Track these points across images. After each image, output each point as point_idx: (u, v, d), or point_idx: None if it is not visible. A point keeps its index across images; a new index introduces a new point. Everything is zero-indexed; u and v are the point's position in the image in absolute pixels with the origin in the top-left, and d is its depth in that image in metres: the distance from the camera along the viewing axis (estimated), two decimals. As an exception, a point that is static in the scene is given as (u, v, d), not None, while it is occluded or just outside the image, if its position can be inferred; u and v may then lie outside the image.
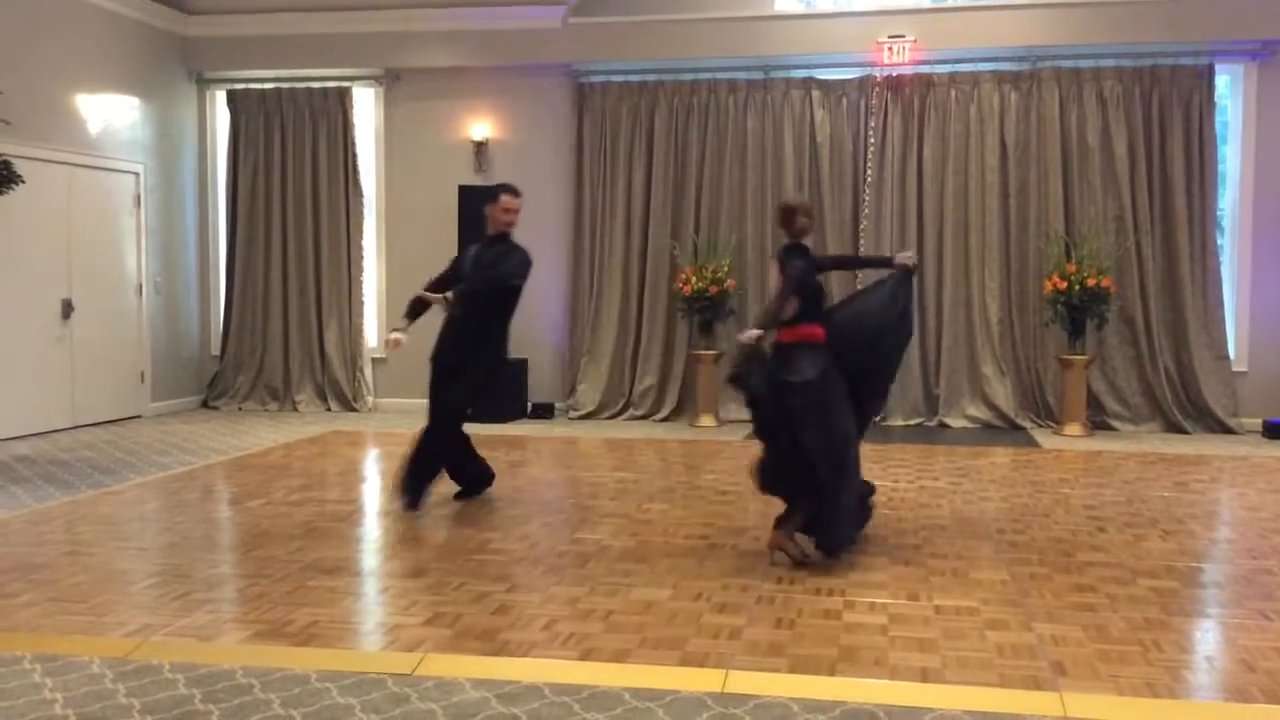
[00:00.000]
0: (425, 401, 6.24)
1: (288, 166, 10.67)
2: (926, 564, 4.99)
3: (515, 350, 10.43)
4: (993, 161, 9.63)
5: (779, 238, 9.78)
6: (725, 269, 9.60)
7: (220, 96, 10.93)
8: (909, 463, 7.73)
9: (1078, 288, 8.95)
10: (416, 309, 6.23)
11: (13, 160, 7.42)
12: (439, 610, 4.29)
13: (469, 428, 6.44)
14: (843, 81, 9.88)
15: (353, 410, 10.50)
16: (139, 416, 10.09)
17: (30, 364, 8.90)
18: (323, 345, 10.66)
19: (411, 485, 6.07)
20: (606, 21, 10.00)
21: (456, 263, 6.33)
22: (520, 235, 10.13)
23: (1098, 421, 9.40)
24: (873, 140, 9.77)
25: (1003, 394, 9.57)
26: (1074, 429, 9.12)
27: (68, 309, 9.28)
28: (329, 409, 10.56)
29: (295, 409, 10.60)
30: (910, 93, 9.73)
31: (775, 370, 4.93)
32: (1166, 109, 9.36)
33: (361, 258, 10.63)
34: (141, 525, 5.89)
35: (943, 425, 9.65)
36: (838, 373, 4.99)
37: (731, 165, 10.01)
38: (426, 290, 6.18)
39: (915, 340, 9.14)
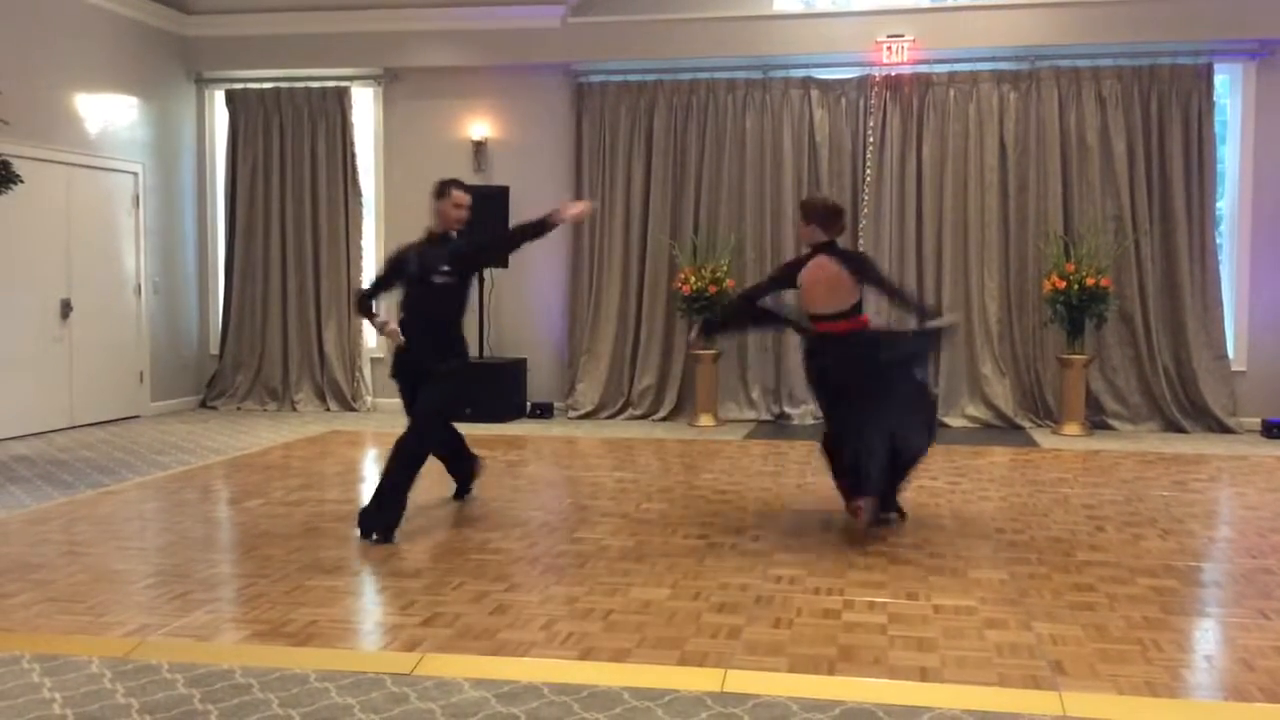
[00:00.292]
0: None
1: (287, 166, 10.67)
2: (925, 563, 4.99)
3: (514, 350, 10.50)
4: (992, 161, 9.63)
5: (778, 237, 9.89)
6: (724, 268, 9.60)
7: (219, 96, 10.93)
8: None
9: (1077, 287, 8.95)
10: (366, 307, 5.86)
11: (11, 160, 7.42)
12: (438, 610, 4.29)
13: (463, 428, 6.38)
14: (842, 81, 9.88)
15: (351, 410, 10.50)
16: (138, 416, 10.09)
17: (29, 364, 8.90)
18: (321, 345, 10.66)
19: (381, 517, 5.44)
20: (605, 21, 10.00)
21: (396, 264, 5.83)
22: (519, 235, 10.19)
23: (1097, 421, 9.40)
24: (872, 140, 9.77)
25: (1002, 394, 9.57)
26: (1073, 428, 9.12)
27: (66, 309, 9.27)
28: (328, 409, 10.56)
29: (294, 409, 10.60)
30: (909, 92, 9.73)
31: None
32: (1165, 109, 9.36)
33: (360, 257, 10.62)
34: (140, 525, 5.89)
35: (942, 425, 9.62)
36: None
37: (730, 165, 10.01)
38: (365, 298, 5.86)
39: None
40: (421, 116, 10.52)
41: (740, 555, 5.13)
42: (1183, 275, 9.34)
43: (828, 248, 5.61)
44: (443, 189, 5.84)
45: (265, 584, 4.66)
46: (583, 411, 10.13)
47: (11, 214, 8.40)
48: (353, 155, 10.59)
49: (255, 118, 10.71)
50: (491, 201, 9.96)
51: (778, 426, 9.66)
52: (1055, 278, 9.05)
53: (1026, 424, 9.54)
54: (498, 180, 10.30)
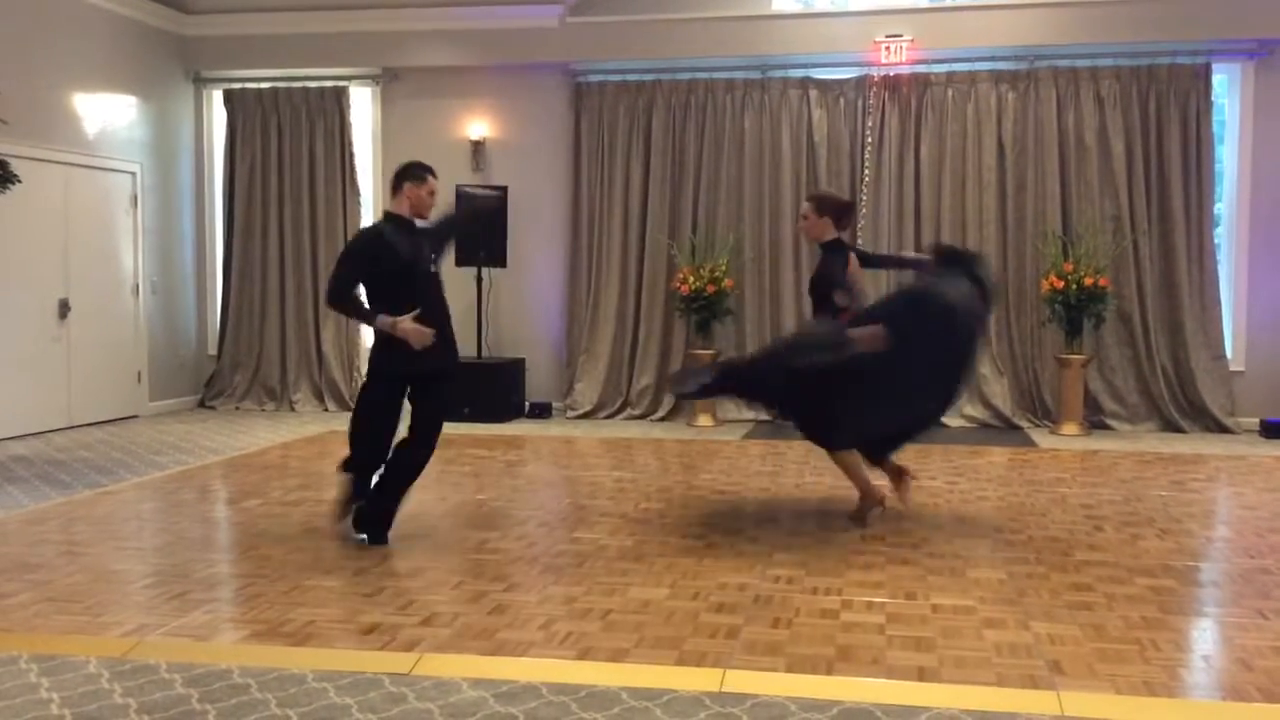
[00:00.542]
0: None
1: (285, 166, 10.67)
2: (924, 563, 4.99)
3: (513, 349, 10.50)
4: (990, 161, 9.63)
5: (777, 237, 9.88)
6: (723, 268, 9.59)
7: (217, 96, 10.92)
8: (906, 462, 7.69)
9: (1075, 287, 8.95)
10: (357, 302, 5.22)
11: (9, 160, 7.42)
12: (436, 610, 4.29)
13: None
14: (840, 81, 9.88)
15: (349, 410, 10.46)
16: (136, 416, 10.08)
17: (27, 364, 8.89)
18: (320, 345, 10.65)
19: (382, 518, 5.31)
20: (604, 21, 9.99)
21: (381, 254, 5.15)
22: (520, 234, 10.22)
23: (1095, 421, 9.40)
24: (870, 140, 9.77)
25: (1000, 393, 9.58)
26: (1071, 428, 9.12)
27: (64, 309, 9.27)
28: (326, 409, 10.56)
29: (292, 409, 10.60)
30: (908, 92, 9.73)
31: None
32: (1164, 108, 9.36)
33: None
34: (138, 525, 5.89)
35: (940, 424, 9.63)
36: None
37: (729, 165, 10.01)
38: (351, 293, 5.16)
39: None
40: (420, 116, 10.51)
41: (738, 555, 5.13)
42: (1181, 275, 9.34)
43: (839, 244, 5.68)
44: (421, 173, 5.34)
45: (263, 584, 4.65)
46: (581, 411, 10.13)
47: (9, 214, 8.39)
48: (351, 155, 10.59)
49: (253, 117, 10.70)
50: (490, 201, 9.99)
51: (776, 426, 9.64)
52: (1053, 277, 9.05)
53: (1024, 424, 9.54)
54: (496, 180, 10.30)
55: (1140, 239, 9.39)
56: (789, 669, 3.67)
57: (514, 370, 10.22)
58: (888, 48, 9.50)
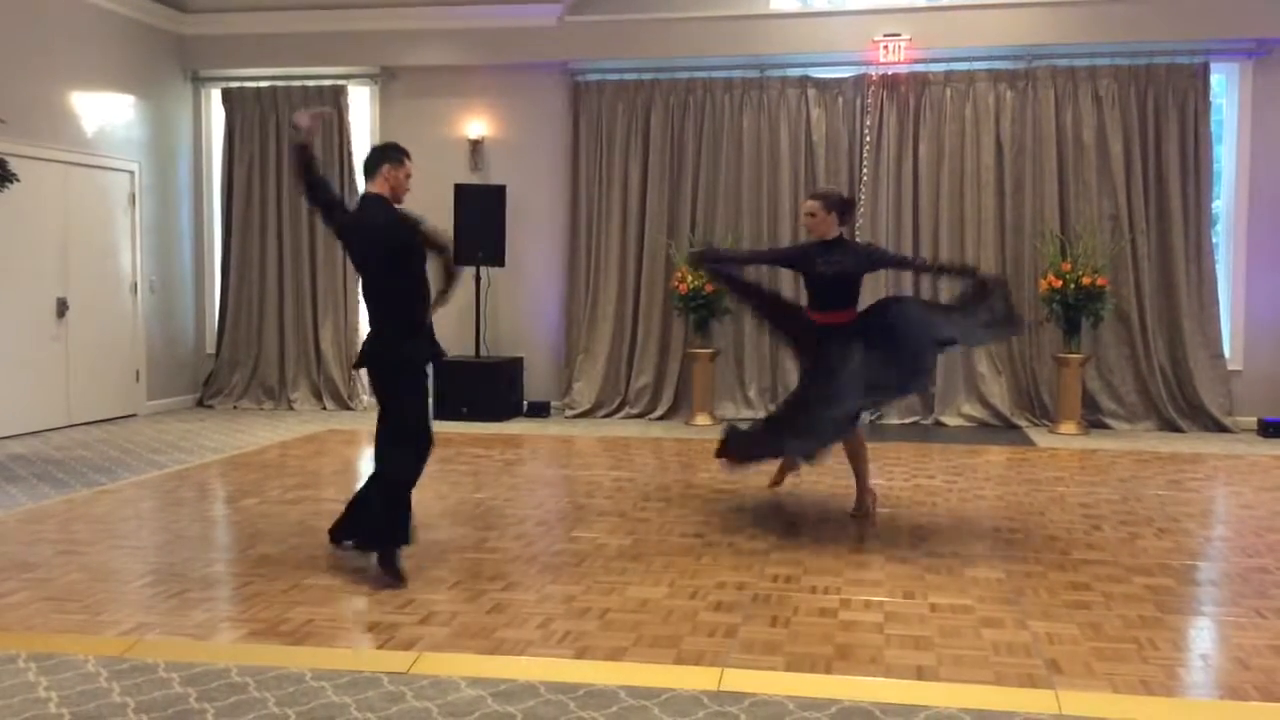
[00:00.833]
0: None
1: (283, 165, 10.65)
2: (922, 562, 5.00)
3: (511, 348, 10.50)
4: (988, 160, 9.64)
5: (775, 236, 9.88)
6: (721, 267, 9.59)
7: (215, 95, 10.92)
8: (905, 461, 7.74)
9: (1073, 286, 8.96)
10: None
11: (8, 158, 7.41)
12: (434, 609, 4.29)
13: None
14: (839, 80, 9.88)
15: (348, 409, 10.49)
16: (134, 415, 10.08)
17: (25, 363, 8.88)
18: (318, 344, 10.65)
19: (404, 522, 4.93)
20: (602, 20, 9.99)
21: (410, 232, 4.99)
22: (518, 233, 10.22)
23: (1093, 420, 9.41)
24: (868, 139, 9.77)
25: (998, 392, 9.58)
26: (1069, 427, 9.13)
27: (63, 307, 9.26)
28: (324, 408, 10.55)
29: (290, 407, 10.59)
30: (906, 91, 9.73)
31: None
32: (1162, 108, 9.37)
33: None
34: (137, 524, 5.88)
35: (938, 424, 9.66)
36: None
37: (727, 164, 10.01)
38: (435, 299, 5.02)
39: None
40: (418, 115, 10.51)
41: (737, 554, 5.13)
42: (1179, 274, 9.35)
43: (842, 240, 5.84)
44: (398, 155, 5.10)
45: (261, 583, 4.65)
46: (579, 410, 10.13)
47: (8, 212, 8.38)
48: (349, 154, 10.57)
49: (251, 116, 10.70)
50: (489, 200, 10.00)
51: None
52: (1051, 277, 9.06)
53: (1023, 423, 9.55)
54: (495, 179, 10.30)
55: (1138, 238, 9.39)
56: (787, 668, 3.67)
57: (512, 369, 10.22)
58: (886, 47, 9.51)
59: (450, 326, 9.56)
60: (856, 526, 5.71)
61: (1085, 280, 8.92)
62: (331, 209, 5.16)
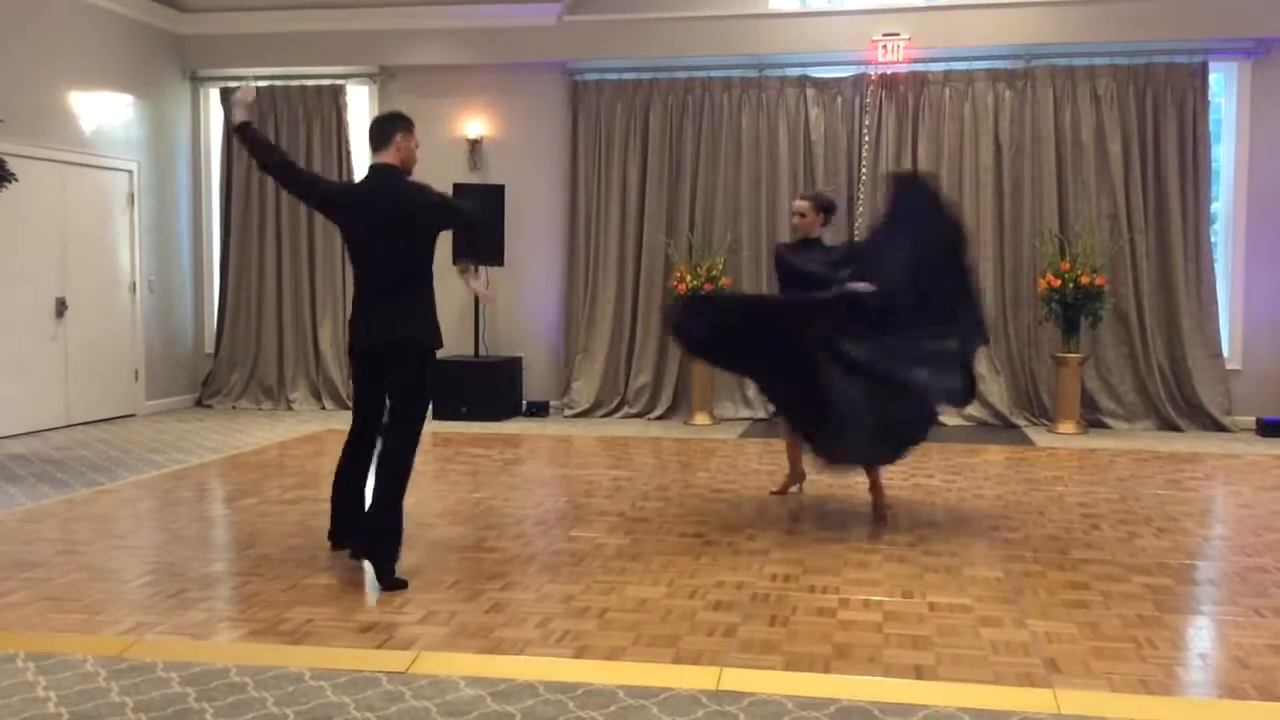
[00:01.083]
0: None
1: (282, 164, 10.64)
2: (921, 561, 5.00)
3: (510, 348, 10.50)
4: (987, 160, 9.64)
5: (774, 235, 9.89)
6: (720, 267, 9.60)
7: (214, 94, 10.91)
8: (904, 460, 7.72)
9: (1072, 286, 8.96)
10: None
11: (6, 158, 7.40)
12: (433, 608, 4.29)
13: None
14: (837, 80, 9.88)
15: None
16: (133, 415, 10.07)
17: (24, 362, 8.88)
18: (317, 343, 10.65)
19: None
20: (601, 19, 9.99)
21: (440, 205, 4.91)
22: (517, 233, 10.22)
23: (1092, 419, 9.41)
24: (867, 138, 9.77)
25: (997, 392, 9.58)
26: (1068, 427, 9.13)
27: (61, 307, 9.26)
28: (323, 407, 10.55)
29: (289, 407, 10.59)
30: (904, 91, 9.73)
31: None
32: (1161, 107, 9.37)
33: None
34: (135, 524, 5.88)
35: (937, 423, 9.63)
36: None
37: (726, 163, 10.01)
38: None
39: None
40: (416, 115, 10.17)
41: (736, 553, 5.14)
42: (1178, 274, 9.35)
43: (819, 240, 6.09)
44: (410, 124, 4.93)
45: (260, 582, 4.65)
46: (578, 410, 10.13)
47: (6, 212, 8.38)
48: (348, 153, 10.58)
49: (250, 116, 10.67)
50: (488, 200, 9.99)
51: (773, 425, 9.64)
52: (1050, 276, 9.06)
53: (1022, 422, 9.55)
54: (493, 178, 10.30)
55: (1137, 237, 9.40)
56: (786, 667, 3.67)
57: (511, 369, 10.22)
58: (884, 46, 9.51)
59: (449, 326, 9.49)
60: (855, 526, 5.71)
61: (1084, 279, 8.92)
62: (315, 183, 5.05)
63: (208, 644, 3.91)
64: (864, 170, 9.78)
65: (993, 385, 9.59)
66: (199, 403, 10.87)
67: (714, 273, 9.53)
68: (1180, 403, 9.41)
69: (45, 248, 9.11)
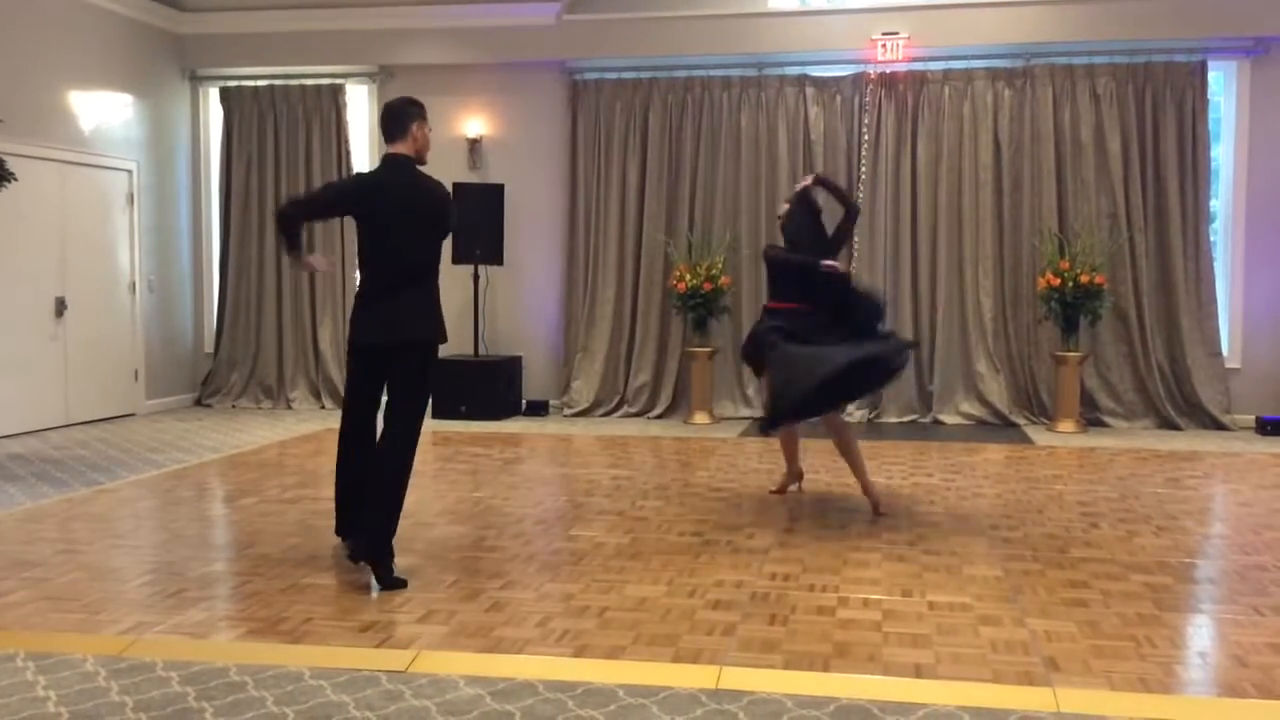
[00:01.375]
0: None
1: (281, 164, 10.66)
2: (920, 560, 5.00)
3: (510, 347, 10.50)
4: (986, 158, 9.64)
5: (773, 235, 9.87)
6: (720, 266, 9.60)
7: (214, 94, 10.91)
8: (903, 459, 7.74)
9: (1071, 284, 8.96)
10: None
11: (6, 158, 7.40)
12: (433, 607, 4.29)
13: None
14: (837, 79, 9.88)
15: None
16: (133, 414, 10.07)
17: (23, 362, 8.88)
18: (316, 343, 10.65)
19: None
20: (600, 18, 9.99)
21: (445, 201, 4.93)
22: (516, 232, 10.22)
23: (1091, 418, 9.41)
24: (866, 137, 9.77)
25: (996, 391, 9.58)
26: (1067, 425, 9.13)
27: (61, 307, 9.26)
28: (323, 406, 10.55)
29: (289, 406, 10.59)
30: (904, 90, 9.73)
31: None
32: (1160, 106, 9.37)
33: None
34: (135, 523, 5.88)
35: (937, 422, 9.66)
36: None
37: (726, 162, 10.01)
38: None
39: (910, 338, 9.20)
40: (416, 114, 10.46)
41: (735, 552, 5.14)
42: (1177, 272, 9.35)
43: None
44: (424, 111, 4.89)
45: (260, 582, 4.65)
46: (578, 409, 10.13)
47: (6, 212, 8.38)
48: (347, 153, 10.58)
49: (250, 115, 10.69)
50: (487, 199, 9.99)
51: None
52: (1050, 275, 9.06)
53: (1021, 421, 9.55)
54: (493, 178, 10.30)
55: (1136, 236, 9.40)
56: (786, 666, 3.67)
57: (511, 368, 10.22)
58: (884, 45, 9.51)
59: (449, 325, 9.49)
60: (854, 525, 5.71)
61: (1083, 278, 8.92)
62: (332, 201, 5.15)
63: (207, 643, 3.92)
64: (863, 169, 9.78)
65: (992, 384, 9.59)
66: (198, 402, 10.87)
67: (713, 272, 9.53)
68: (1180, 401, 9.42)
69: (45, 247, 9.10)
